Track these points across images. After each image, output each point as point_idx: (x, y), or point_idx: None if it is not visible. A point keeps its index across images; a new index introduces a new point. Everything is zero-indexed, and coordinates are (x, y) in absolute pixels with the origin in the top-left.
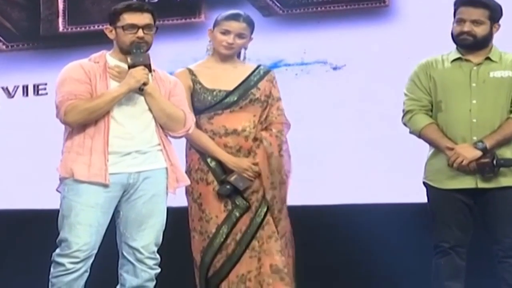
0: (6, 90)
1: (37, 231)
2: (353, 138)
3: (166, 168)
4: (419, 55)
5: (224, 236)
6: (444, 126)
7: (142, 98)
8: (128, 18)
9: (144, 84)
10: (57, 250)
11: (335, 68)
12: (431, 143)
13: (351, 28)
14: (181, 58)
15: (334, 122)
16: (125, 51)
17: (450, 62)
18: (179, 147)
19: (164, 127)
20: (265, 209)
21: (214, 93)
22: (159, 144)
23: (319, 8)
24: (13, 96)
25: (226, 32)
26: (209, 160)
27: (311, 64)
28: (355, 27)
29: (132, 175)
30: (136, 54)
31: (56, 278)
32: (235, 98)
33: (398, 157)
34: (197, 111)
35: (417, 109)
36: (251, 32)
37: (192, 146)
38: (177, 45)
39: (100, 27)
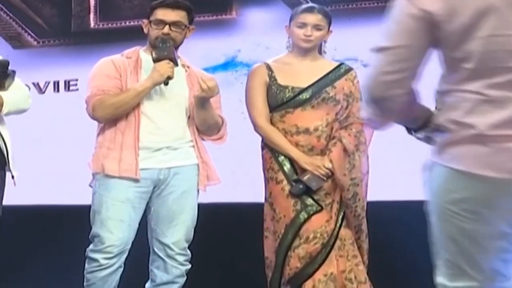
0: (37, 86)
1: (71, 226)
2: (383, 134)
3: (198, 165)
4: None
5: (291, 237)
6: None
7: (174, 93)
8: (158, 13)
9: (169, 78)
10: (91, 246)
11: (365, 66)
12: None
13: (382, 25)
14: (212, 55)
15: None
16: (152, 46)
17: None
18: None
19: (199, 130)
20: (343, 210)
21: (287, 90)
22: (191, 141)
23: (350, 5)
24: (44, 92)
25: (302, 25)
26: (280, 158)
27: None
28: None
29: (163, 171)
30: (161, 48)
31: (91, 274)
32: (307, 96)
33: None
34: (271, 108)
35: None
36: (329, 24)
37: (265, 145)
38: (209, 42)
39: (132, 23)
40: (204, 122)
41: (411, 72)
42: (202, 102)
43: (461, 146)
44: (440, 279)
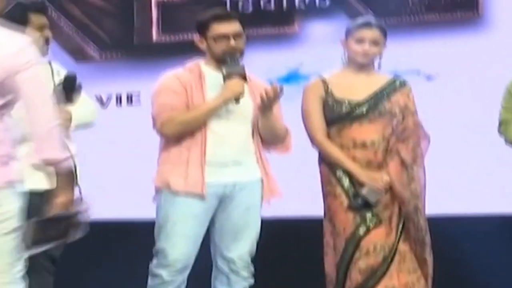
0: (99, 99)
1: (133, 241)
2: (447, 147)
3: (261, 179)
4: None
5: (351, 250)
6: None
7: (239, 106)
8: (218, 28)
9: (240, 95)
10: (154, 261)
11: (428, 78)
12: None
13: (444, 38)
14: (275, 68)
15: (428, 131)
16: (219, 61)
17: None
18: (279, 158)
19: (265, 141)
20: (402, 223)
21: (344, 104)
22: (255, 154)
23: (412, 18)
24: (106, 105)
25: (360, 41)
26: (338, 173)
27: (404, 74)
28: (449, 36)
29: (228, 186)
30: (231, 64)
31: None
32: (364, 110)
33: (494, 166)
34: (328, 123)
35: None
36: (385, 39)
37: (323, 159)
38: (271, 55)
39: (194, 36)
40: (270, 132)
41: None
42: (264, 110)
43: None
44: None
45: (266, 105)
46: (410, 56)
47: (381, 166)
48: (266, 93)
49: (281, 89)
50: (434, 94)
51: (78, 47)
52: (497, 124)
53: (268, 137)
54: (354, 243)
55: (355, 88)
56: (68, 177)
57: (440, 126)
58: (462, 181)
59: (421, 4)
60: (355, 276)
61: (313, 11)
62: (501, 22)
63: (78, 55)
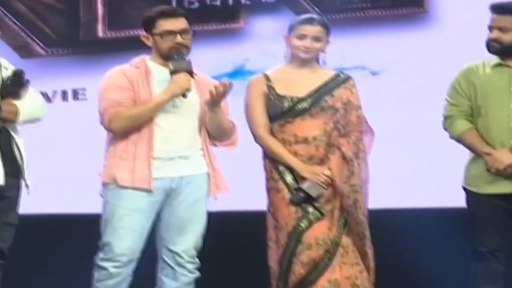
0: (45, 95)
1: (79, 235)
2: (392, 143)
3: (208, 173)
4: (459, 61)
5: (294, 244)
6: (484, 131)
7: (185, 103)
8: (164, 24)
9: (187, 90)
10: (100, 255)
11: (373, 73)
12: (470, 148)
13: (390, 34)
14: (220, 63)
15: (372, 127)
16: (165, 57)
17: (491, 68)
18: (225, 153)
19: (212, 136)
20: (344, 217)
21: (286, 100)
22: (202, 149)
23: (358, 14)
24: (52, 101)
25: (302, 37)
26: (280, 168)
27: (349, 69)
28: (394, 32)
29: (175, 180)
30: (178, 60)
31: (100, 282)
32: (306, 106)
33: (437, 161)
34: (271, 119)
35: (457, 114)
36: (327, 35)
37: (266, 155)
38: (217, 51)
39: (140, 32)
40: (218, 127)
41: None
42: (212, 105)
43: None
44: None
45: (215, 100)
46: (356, 52)
47: (323, 161)
48: (216, 88)
49: (231, 85)
50: (379, 89)
51: (23, 43)
52: (441, 119)
53: (215, 132)
54: (296, 236)
55: (298, 84)
56: None
57: (385, 121)
58: (406, 175)
59: (367, 0)
60: (298, 269)
61: (259, 7)
62: (447, 18)
63: (24, 51)
